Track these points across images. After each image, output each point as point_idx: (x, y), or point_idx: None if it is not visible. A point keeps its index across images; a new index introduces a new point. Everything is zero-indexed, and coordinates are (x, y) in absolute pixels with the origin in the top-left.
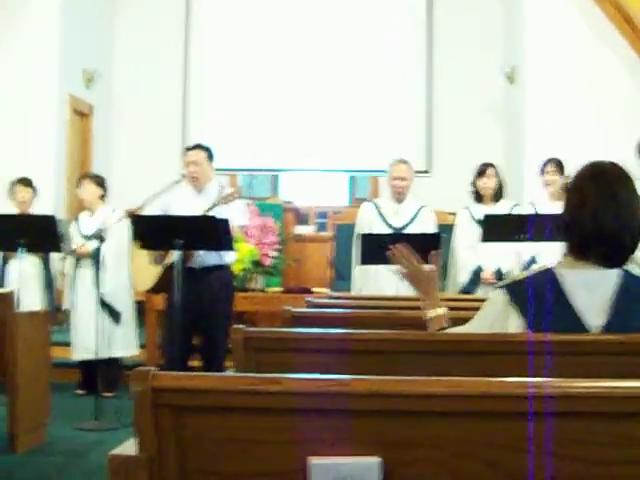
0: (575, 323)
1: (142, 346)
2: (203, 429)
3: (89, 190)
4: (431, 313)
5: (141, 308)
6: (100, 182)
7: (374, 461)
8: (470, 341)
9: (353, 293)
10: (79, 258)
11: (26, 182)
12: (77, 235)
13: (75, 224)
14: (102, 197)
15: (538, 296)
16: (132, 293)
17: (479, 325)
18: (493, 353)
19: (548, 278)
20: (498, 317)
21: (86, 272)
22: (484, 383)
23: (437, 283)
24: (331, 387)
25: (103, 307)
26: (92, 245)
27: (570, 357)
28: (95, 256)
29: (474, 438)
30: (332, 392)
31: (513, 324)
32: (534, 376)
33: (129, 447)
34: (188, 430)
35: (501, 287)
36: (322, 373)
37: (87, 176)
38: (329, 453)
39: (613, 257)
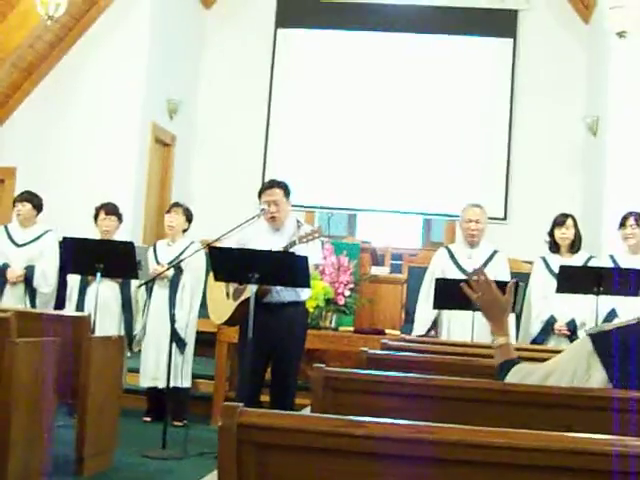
0: None
1: (211, 378)
2: (285, 468)
3: (178, 220)
4: (501, 340)
5: (212, 340)
6: (189, 217)
7: None
8: (550, 394)
9: (414, 335)
10: (153, 284)
11: (109, 210)
12: (152, 262)
13: (151, 251)
14: (185, 231)
15: (624, 350)
16: (196, 325)
17: (559, 368)
18: (572, 407)
19: (637, 332)
20: (579, 365)
21: (159, 299)
22: (571, 439)
23: (508, 312)
24: (417, 434)
25: (174, 336)
26: (169, 272)
27: None
28: (173, 282)
29: None
30: (417, 439)
31: (595, 376)
32: (618, 434)
33: None
34: (270, 468)
35: (588, 335)
36: (400, 418)
37: (180, 205)
38: None
39: None
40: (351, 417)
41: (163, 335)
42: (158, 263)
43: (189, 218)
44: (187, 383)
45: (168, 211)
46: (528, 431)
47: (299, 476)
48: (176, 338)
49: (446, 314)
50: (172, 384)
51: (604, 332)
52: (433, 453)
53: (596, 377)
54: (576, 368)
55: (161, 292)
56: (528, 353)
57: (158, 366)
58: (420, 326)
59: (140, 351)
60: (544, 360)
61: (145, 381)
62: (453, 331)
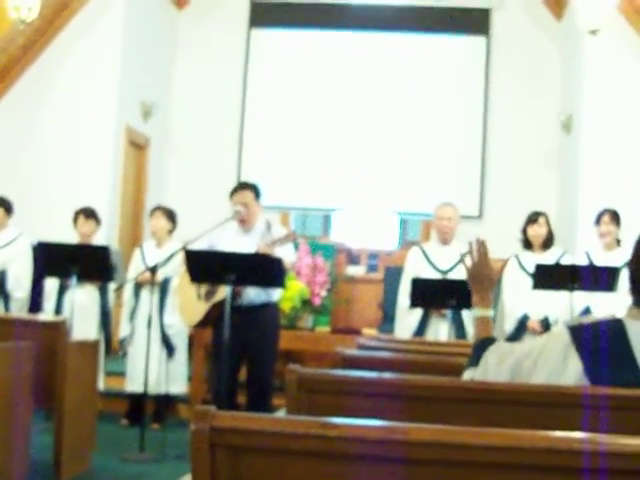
0: (636, 378)
1: (189, 379)
2: (259, 471)
3: (160, 224)
4: (481, 312)
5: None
6: (171, 216)
7: None
8: (525, 392)
9: (397, 336)
10: (140, 288)
11: (88, 214)
12: (140, 264)
13: (139, 252)
14: (170, 232)
15: (602, 344)
16: (186, 329)
17: (534, 352)
18: (548, 405)
19: (616, 328)
20: (556, 356)
21: (148, 304)
22: (544, 437)
23: (494, 287)
24: (389, 434)
25: (163, 340)
26: (159, 276)
27: (628, 413)
28: (163, 287)
29: None
30: (390, 439)
31: (572, 367)
32: (590, 431)
33: None
34: (244, 471)
35: (566, 327)
36: (375, 418)
37: (160, 208)
38: None
39: None
40: (324, 418)
41: (153, 340)
42: (146, 266)
43: (171, 218)
44: (178, 389)
45: (151, 216)
46: (500, 430)
47: (273, 478)
48: (166, 343)
49: (433, 321)
50: (164, 390)
51: (584, 326)
52: (407, 454)
53: (573, 369)
54: (553, 359)
55: (150, 296)
56: None
57: (148, 372)
58: (403, 330)
59: (125, 355)
60: None
61: (133, 385)
62: (437, 331)
